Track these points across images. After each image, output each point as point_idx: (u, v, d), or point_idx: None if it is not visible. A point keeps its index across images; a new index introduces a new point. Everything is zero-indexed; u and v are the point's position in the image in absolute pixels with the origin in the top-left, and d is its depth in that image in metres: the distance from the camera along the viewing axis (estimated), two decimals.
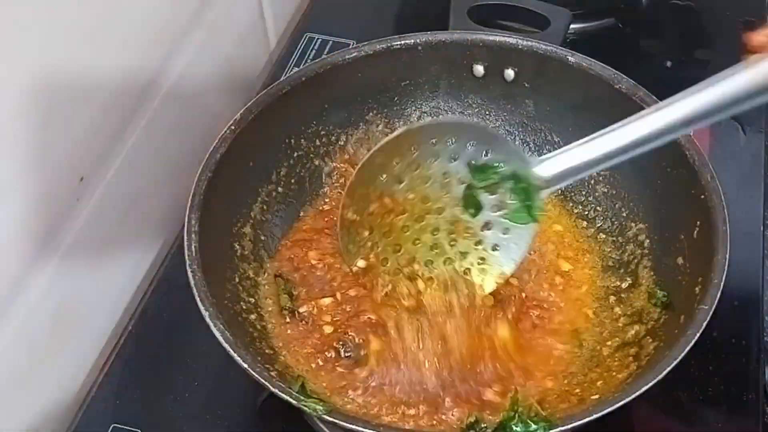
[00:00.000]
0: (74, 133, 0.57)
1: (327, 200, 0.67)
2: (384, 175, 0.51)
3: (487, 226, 0.53)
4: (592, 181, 0.66)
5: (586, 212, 0.66)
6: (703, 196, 0.56)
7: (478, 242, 0.53)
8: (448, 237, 0.53)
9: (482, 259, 0.53)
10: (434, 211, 0.53)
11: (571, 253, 0.64)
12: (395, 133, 0.51)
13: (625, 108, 0.61)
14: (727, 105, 0.45)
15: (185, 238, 0.54)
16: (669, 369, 0.48)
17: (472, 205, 0.50)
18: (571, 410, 0.51)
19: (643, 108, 0.60)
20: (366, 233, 0.54)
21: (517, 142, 0.69)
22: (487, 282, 0.55)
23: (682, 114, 0.46)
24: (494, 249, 0.54)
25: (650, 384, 0.48)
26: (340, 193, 0.65)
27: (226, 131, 0.59)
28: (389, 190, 0.52)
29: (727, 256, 0.52)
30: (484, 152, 0.51)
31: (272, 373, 0.51)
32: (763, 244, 0.69)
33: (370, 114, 0.68)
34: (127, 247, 0.68)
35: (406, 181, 0.52)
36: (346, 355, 0.57)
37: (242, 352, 0.49)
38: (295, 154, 0.65)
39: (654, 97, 0.61)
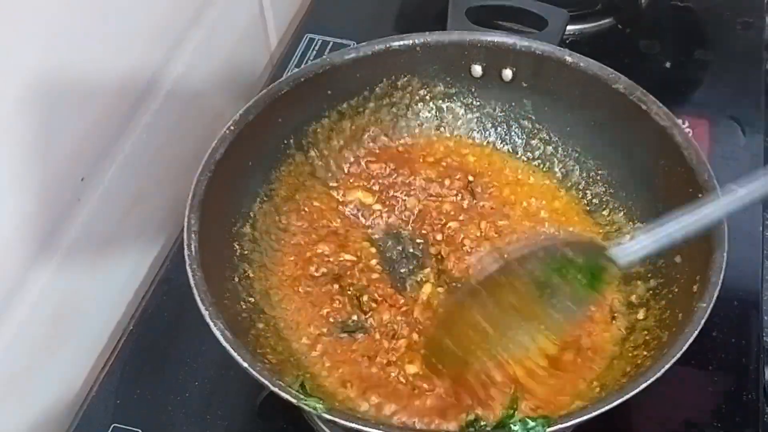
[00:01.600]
0: (75, 133, 0.58)
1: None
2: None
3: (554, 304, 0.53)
4: (591, 180, 0.66)
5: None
6: (700, 195, 0.56)
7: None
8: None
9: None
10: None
11: None
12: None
13: (624, 108, 0.62)
14: None
15: (185, 237, 0.54)
16: (667, 367, 0.48)
17: (547, 292, 0.52)
18: (568, 408, 0.51)
19: (640, 107, 0.61)
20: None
21: (516, 142, 0.69)
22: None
23: (740, 202, 0.50)
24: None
25: (649, 382, 0.48)
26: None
27: (225, 131, 0.59)
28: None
29: (725, 254, 0.53)
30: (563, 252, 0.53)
31: (273, 360, 0.51)
32: (763, 244, 0.69)
33: (369, 114, 0.69)
34: (127, 246, 0.68)
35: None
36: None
37: (242, 352, 0.49)
38: (295, 154, 0.66)
39: (652, 97, 0.61)
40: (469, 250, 0.63)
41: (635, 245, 0.52)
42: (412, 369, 0.57)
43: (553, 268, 0.52)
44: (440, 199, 0.66)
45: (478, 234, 0.64)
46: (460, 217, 0.65)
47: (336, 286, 0.61)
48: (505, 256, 0.52)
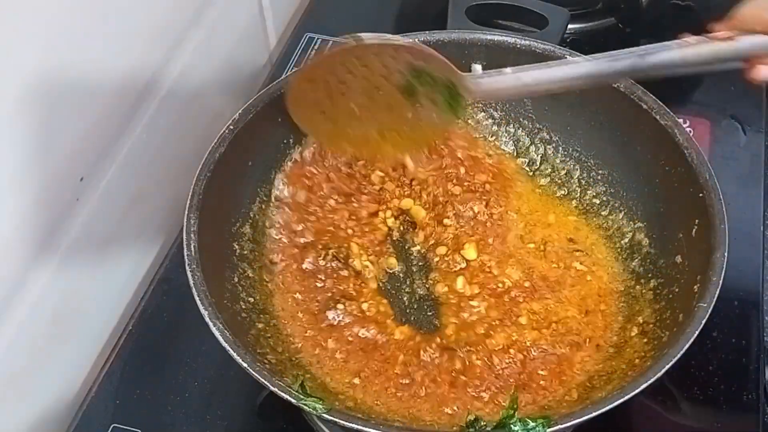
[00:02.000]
0: (74, 133, 0.58)
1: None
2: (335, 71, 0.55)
3: (419, 105, 0.56)
4: (591, 180, 0.66)
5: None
6: (701, 195, 0.56)
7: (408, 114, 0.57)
8: (385, 106, 0.57)
9: (411, 127, 0.58)
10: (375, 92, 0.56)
11: None
12: (342, 47, 0.54)
13: (624, 107, 0.62)
14: (654, 70, 0.53)
15: (184, 237, 0.54)
16: (668, 367, 0.48)
17: (409, 91, 0.56)
18: (569, 408, 0.51)
19: (641, 107, 0.61)
20: (316, 100, 0.57)
21: (516, 141, 0.69)
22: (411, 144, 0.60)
23: (611, 67, 0.54)
24: (422, 122, 0.57)
25: (649, 382, 0.48)
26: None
27: (224, 131, 0.59)
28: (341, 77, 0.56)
29: (726, 254, 0.53)
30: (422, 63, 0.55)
31: (272, 360, 0.51)
32: (763, 244, 0.69)
33: None
34: (127, 246, 0.68)
35: (353, 71, 0.55)
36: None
37: (242, 352, 0.49)
38: (295, 154, 0.66)
39: (652, 96, 0.61)
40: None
41: (487, 78, 0.55)
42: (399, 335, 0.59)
43: (412, 74, 0.55)
44: (439, 196, 0.66)
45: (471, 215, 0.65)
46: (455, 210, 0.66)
47: (336, 280, 0.61)
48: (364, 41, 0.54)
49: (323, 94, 0.56)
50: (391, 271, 0.64)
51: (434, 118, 0.57)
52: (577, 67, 0.54)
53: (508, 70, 0.55)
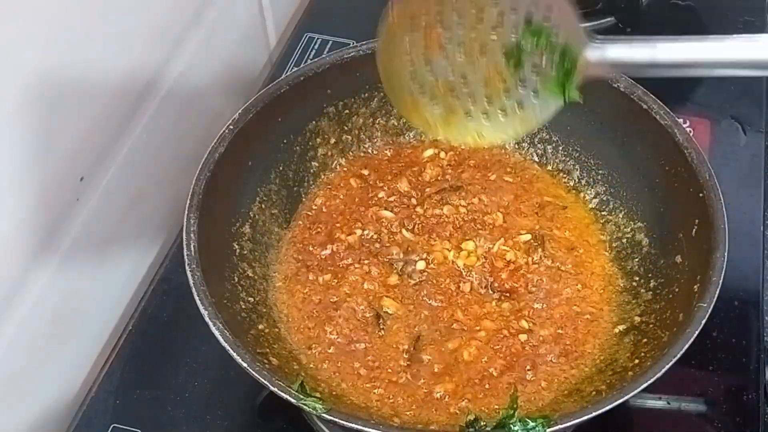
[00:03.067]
0: (74, 133, 0.58)
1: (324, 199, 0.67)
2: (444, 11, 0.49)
3: (520, 82, 0.50)
4: (591, 180, 0.66)
5: None
6: (701, 195, 0.56)
7: (507, 91, 0.51)
8: (482, 77, 0.50)
9: (503, 110, 0.51)
10: (477, 45, 0.49)
11: None
12: None
13: (624, 107, 0.62)
14: None
15: (184, 237, 0.54)
16: (667, 367, 0.48)
17: (515, 59, 0.49)
18: (569, 408, 0.51)
19: (641, 106, 0.61)
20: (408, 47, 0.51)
21: (516, 141, 0.69)
22: (496, 133, 0.53)
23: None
24: (519, 106, 0.51)
25: (649, 382, 0.48)
26: (337, 193, 0.66)
27: (224, 131, 0.59)
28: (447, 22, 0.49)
29: (726, 255, 0.53)
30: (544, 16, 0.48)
31: (273, 360, 0.51)
32: (763, 244, 0.69)
33: (368, 113, 0.68)
34: (126, 246, 0.68)
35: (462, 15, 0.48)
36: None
37: (241, 352, 0.49)
38: (294, 154, 0.66)
39: (653, 96, 0.61)
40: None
41: (615, 50, 0.47)
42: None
43: (529, 41, 0.48)
44: (441, 197, 0.66)
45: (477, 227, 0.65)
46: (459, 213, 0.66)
47: (335, 281, 0.61)
48: None
49: (420, 40, 0.48)
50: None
51: (533, 101, 0.49)
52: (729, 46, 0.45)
53: (639, 39, 0.46)
